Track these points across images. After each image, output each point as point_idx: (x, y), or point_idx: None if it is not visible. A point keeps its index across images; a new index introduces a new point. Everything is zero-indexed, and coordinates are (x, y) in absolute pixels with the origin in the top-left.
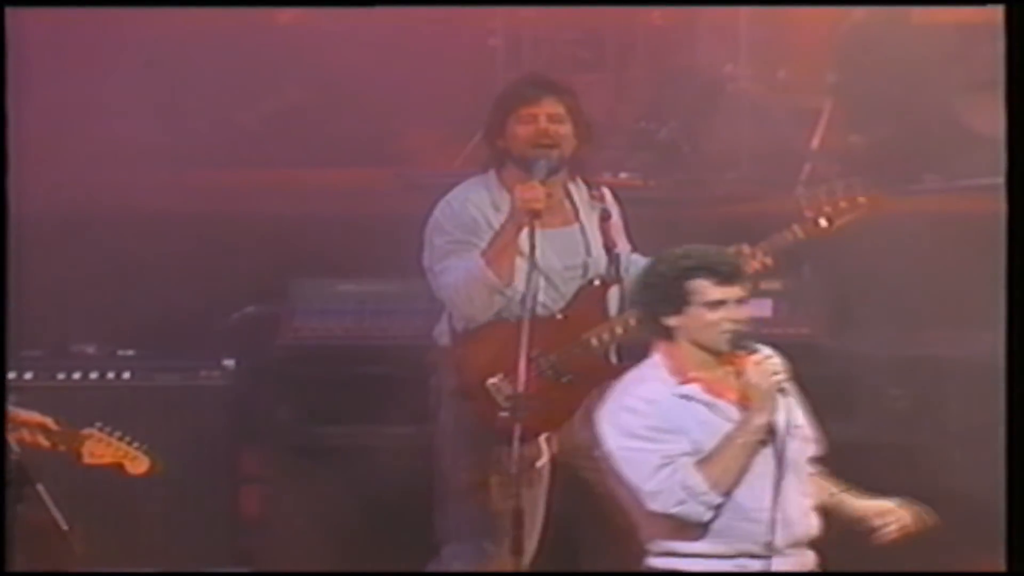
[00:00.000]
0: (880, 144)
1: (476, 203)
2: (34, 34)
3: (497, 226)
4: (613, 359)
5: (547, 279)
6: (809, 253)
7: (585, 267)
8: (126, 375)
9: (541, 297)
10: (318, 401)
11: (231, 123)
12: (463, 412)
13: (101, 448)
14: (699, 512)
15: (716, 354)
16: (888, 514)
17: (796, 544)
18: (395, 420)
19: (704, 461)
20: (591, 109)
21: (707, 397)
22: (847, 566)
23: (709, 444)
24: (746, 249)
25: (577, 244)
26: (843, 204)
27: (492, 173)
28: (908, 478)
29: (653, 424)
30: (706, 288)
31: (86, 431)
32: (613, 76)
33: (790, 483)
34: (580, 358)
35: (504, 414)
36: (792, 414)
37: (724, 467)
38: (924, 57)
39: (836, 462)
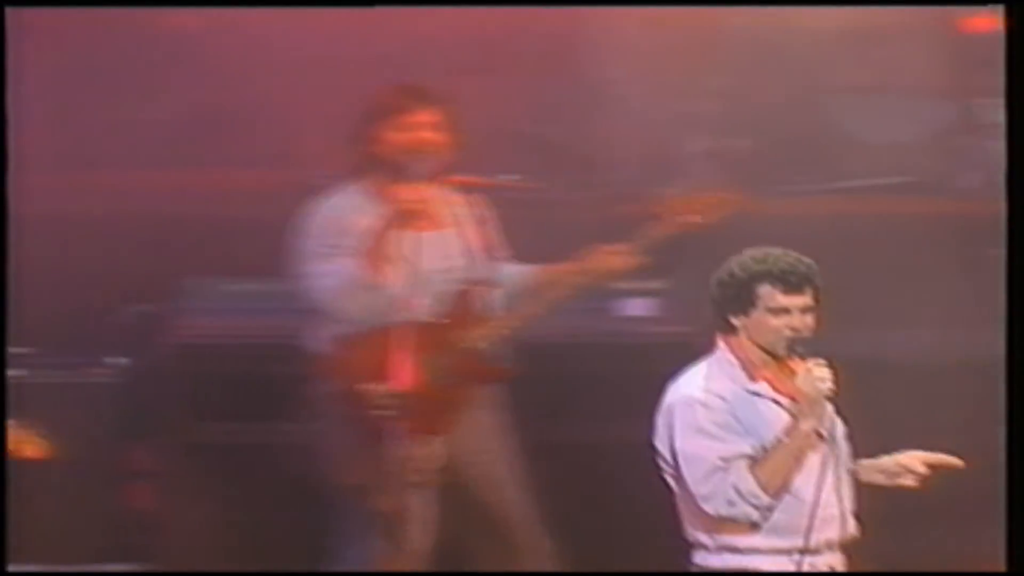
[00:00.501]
0: (761, 147)
1: (346, 209)
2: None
3: (367, 232)
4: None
5: (426, 283)
6: (685, 250)
7: (464, 270)
8: (18, 372)
9: (423, 301)
10: (208, 398)
11: (124, 123)
12: (346, 416)
13: None
14: (748, 513)
15: (774, 356)
16: (909, 469)
17: (843, 543)
18: (285, 418)
19: (756, 463)
20: (478, 112)
21: (775, 395)
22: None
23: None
24: (623, 247)
25: (455, 248)
26: (715, 201)
27: (363, 179)
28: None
29: (721, 421)
30: (772, 295)
31: None
32: (501, 79)
33: (844, 483)
34: (466, 360)
35: (377, 413)
36: (837, 421)
37: (773, 469)
38: (808, 61)
39: None
